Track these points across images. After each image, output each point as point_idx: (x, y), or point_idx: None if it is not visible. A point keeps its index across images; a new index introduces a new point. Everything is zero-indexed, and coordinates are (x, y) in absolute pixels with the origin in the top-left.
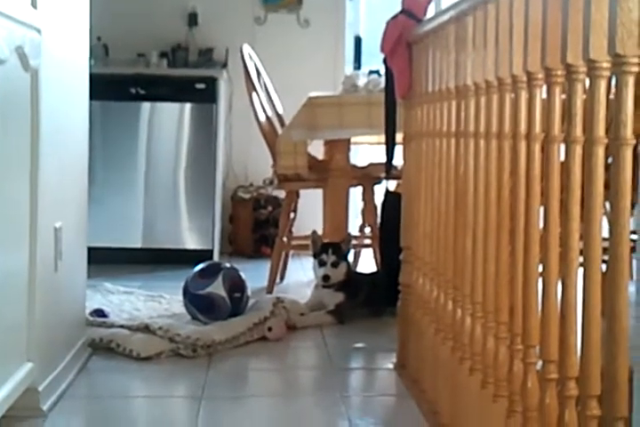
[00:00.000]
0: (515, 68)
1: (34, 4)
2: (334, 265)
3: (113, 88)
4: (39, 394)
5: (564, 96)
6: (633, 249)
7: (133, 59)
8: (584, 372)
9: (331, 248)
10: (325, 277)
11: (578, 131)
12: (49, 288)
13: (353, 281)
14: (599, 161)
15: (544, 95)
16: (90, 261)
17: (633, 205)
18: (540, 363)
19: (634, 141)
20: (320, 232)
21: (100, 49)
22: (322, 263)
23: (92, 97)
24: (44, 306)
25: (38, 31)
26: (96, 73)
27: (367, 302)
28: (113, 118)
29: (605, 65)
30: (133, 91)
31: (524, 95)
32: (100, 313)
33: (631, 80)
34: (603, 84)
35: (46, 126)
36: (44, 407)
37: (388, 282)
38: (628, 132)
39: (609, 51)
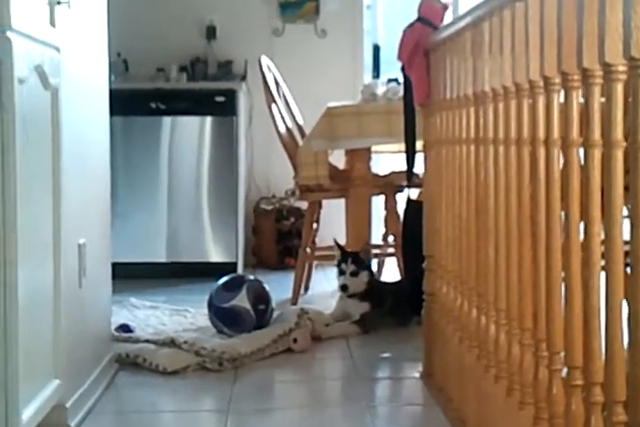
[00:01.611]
0: (531, 74)
1: (52, 23)
2: (353, 274)
3: (134, 103)
4: (67, 411)
5: (581, 100)
6: None
7: (153, 73)
8: (609, 378)
9: (350, 257)
10: (344, 287)
11: (596, 135)
12: (74, 305)
13: (377, 290)
14: (618, 164)
15: (562, 100)
16: (115, 276)
17: None
18: (565, 369)
19: None
20: (343, 242)
21: (119, 65)
22: (341, 273)
23: (112, 113)
24: (69, 323)
25: (57, 49)
26: (116, 88)
27: (392, 311)
28: (134, 133)
29: (621, 68)
30: (154, 105)
31: (541, 100)
32: (125, 328)
33: None
34: (619, 88)
35: (67, 144)
36: (72, 424)
37: (412, 291)
38: None
39: (624, 54)
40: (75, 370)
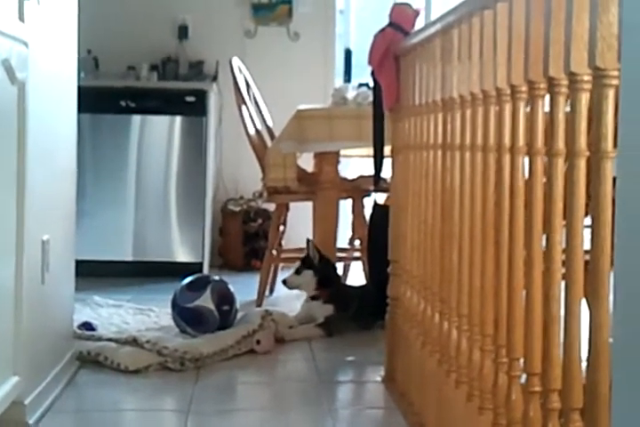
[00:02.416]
0: (499, 81)
1: (21, 18)
2: (297, 272)
3: (103, 101)
4: (25, 408)
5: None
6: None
7: (123, 71)
8: (567, 385)
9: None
10: (283, 282)
11: (560, 144)
12: (36, 301)
13: (342, 294)
14: (581, 173)
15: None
16: (80, 274)
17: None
18: (524, 376)
19: (614, 154)
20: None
21: (90, 62)
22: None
23: (82, 110)
24: (30, 319)
25: (25, 44)
26: (86, 86)
27: (357, 315)
28: (103, 131)
29: (586, 78)
30: (123, 103)
31: (508, 108)
32: (88, 326)
33: (611, 93)
34: (584, 97)
35: (33, 139)
36: (31, 421)
37: (377, 295)
38: (609, 145)
39: (589, 64)
40: (34, 367)
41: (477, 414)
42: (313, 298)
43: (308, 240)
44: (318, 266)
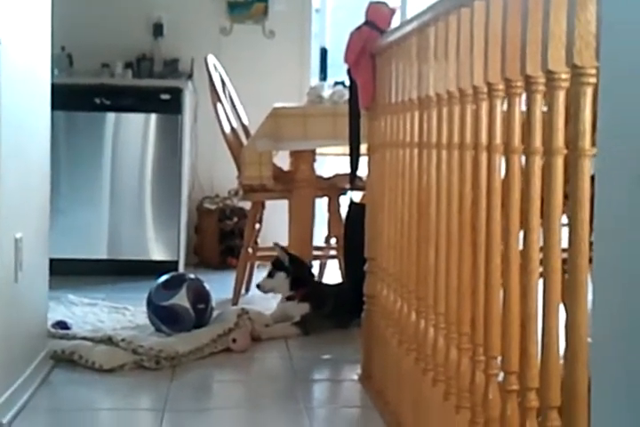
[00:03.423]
0: (475, 80)
1: None
2: (270, 275)
3: (77, 98)
4: None
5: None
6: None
7: (98, 69)
8: (544, 383)
9: (273, 259)
10: (257, 286)
11: (537, 142)
12: (8, 299)
13: (317, 292)
14: (558, 171)
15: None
16: (54, 272)
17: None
18: (501, 374)
19: (592, 152)
20: (286, 243)
21: (64, 59)
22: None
23: (56, 107)
24: (3, 318)
25: None
26: (60, 83)
27: (333, 313)
28: (77, 129)
29: (564, 76)
30: (98, 101)
31: (484, 106)
32: (62, 325)
33: (589, 91)
34: (561, 95)
35: (6, 136)
36: (4, 420)
37: (354, 293)
38: (587, 142)
39: (567, 62)
40: (7, 366)
41: (454, 412)
42: (288, 298)
43: (275, 244)
44: (290, 267)
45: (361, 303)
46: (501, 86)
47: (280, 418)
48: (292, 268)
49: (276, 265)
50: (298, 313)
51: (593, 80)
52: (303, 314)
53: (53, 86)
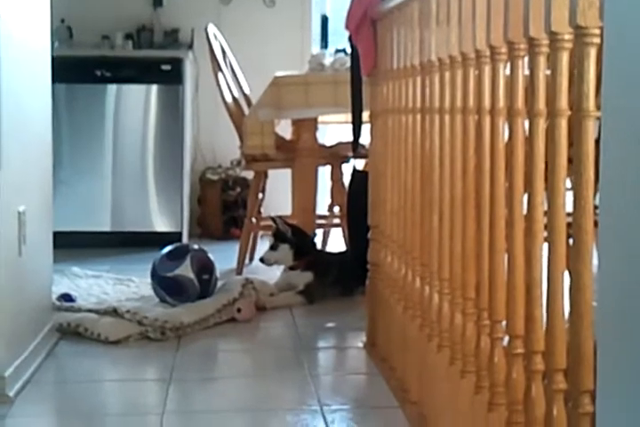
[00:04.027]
0: (478, 43)
1: None
2: (272, 248)
3: (78, 70)
4: (5, 380)
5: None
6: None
7: (98, 41)
8: (549, 346)
9: (273, 231)
10: (261, 260)
11: (541, 104)
12: (13, 273)
13: (320, 261)
14: (562, 133)
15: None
16: (58, 245)
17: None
18: (506, 338)
19: (597, 113)
20: (289, 212)
21: (64, 31)
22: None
23: (56, 80)
24: (8, 291)
25: None
26: (60, 55)
27: (337, 281)
28: (79, 101)
29: (567, 37)
30: (99, 73)
31: (487, 70)
32: (67, 298)
33: (593, 51)
34: (565, 57)
35: (7, 110)
36: (11, 393)
37: (358, 261)
38: (591, 103)
39: (570, 22)
40: (13, 339)
41: (460, 377)
42: (292, 268)
43: (273, 218)
44: (293, 238)
45: (365, 271)
46: (504, 49)
47: (286, 386)
48: (295, 239)
49: (279, 237)
50: (302, 282)
51: (597, 40)
52: (307, 283)
53: (53, 59)
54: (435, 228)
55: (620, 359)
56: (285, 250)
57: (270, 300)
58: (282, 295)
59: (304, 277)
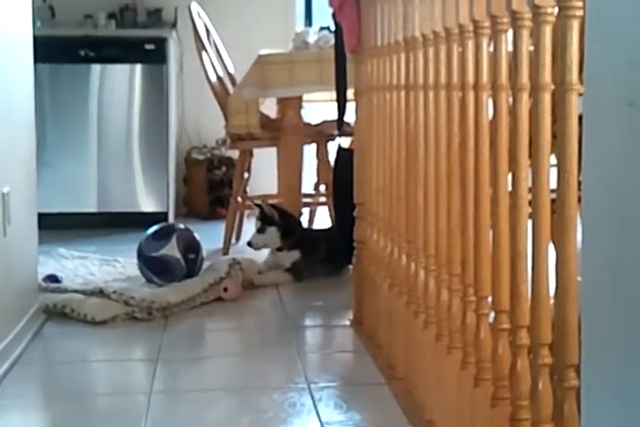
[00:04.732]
0: (461, 18)
1: None
2: (260, 231)
3: (61, 50)
4: None
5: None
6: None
7: (81, 20)
8: (535, 321)
9: (259, 215)
10: (249, 244)
11: (524, 78)
12: None
13: (306, 238)
14: (546, 107)
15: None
16: (44, 226)
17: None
18: (492, 314)
19: (580, 87)
20: (275, 191)
21: (45, 11)
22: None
23: (40, 60)
24: None
25: None
26: (43, 35)
27: (327, 258)
28: (62, 81)
29: (550, 10)
30: (82, 53)
31: (470, 45)
32: (53, 279)
33: (576, 24)
34: (548, 30)
35: None
36: None
37: (344, 239)
38: (574, 77)
39: None
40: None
41: (446, 353)
42: (279, 249)
43: (258, 205)
44: (279, 221)
45: (351, 249)
46: (487, 24)
47: (273, 364)
48: (282, 221)
49: (265, 220)
50: (289, 261)
51: (580, 13)
52: (294, 261)
53: (36, 39)
54: (420, 204)
55: (604, 334)
56: (273, 233)
57: (258, 277)
58: (270, 273)
59: (291, 257)
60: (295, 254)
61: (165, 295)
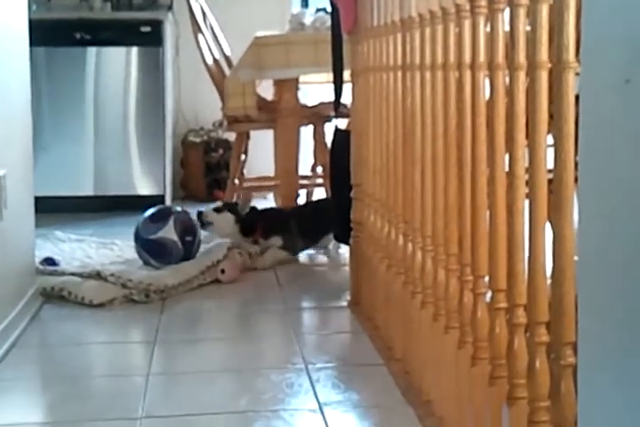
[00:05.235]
0: None
1: None
2: (216, 210)
3: (57, 33)
4: None
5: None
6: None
7: (76, 3)
8: (531, 299)
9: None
10: (198, 213)
11: (521, 57)
12: None
13: (272, 221)
14: (543, 86)
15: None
16: (41, 210)
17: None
18: (489, 293)
19: (576, 65)
20: (272, 173)
21: None
22: None
23: (35, 43)
24: None
25: None
26: (38, 18)
27: (303, 232)
28: (58, 64)
29: None
30: (78, 36)
31: (467, 24)
32: (50, 262)
33: (572, 3)
34: (544, 9)
35: None
36: None
37: (341, 219)
38: (571, 55)
39: None
40: None
41: (443, 333)
42: (255, 242)
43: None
44: (243, 215)
45: (349, 230)
46: (484, 3)
47: (271, 346)
48: (246, 215)
49: (229, 207)
50: (276, 244)
51: None
52: (279, 245)
53: (31, 22)
54: (417, 185)
55: (600, 311)
56: (227, 219)
57: (260, 261)
58: (267, 254)
59: (273, 242)
60: (276, 240)
61: (163, 278)
